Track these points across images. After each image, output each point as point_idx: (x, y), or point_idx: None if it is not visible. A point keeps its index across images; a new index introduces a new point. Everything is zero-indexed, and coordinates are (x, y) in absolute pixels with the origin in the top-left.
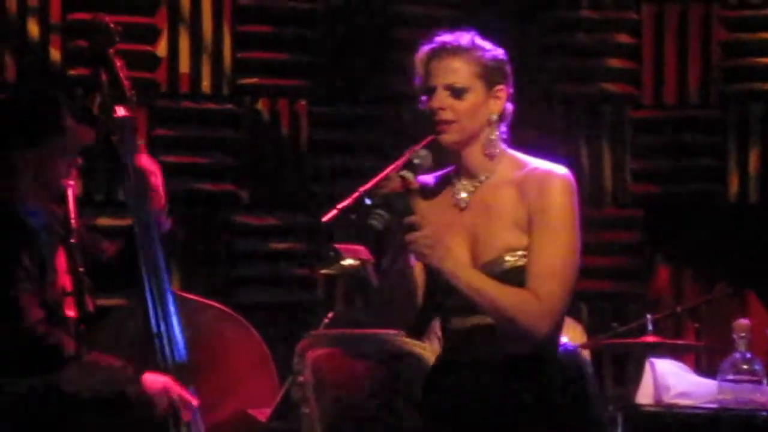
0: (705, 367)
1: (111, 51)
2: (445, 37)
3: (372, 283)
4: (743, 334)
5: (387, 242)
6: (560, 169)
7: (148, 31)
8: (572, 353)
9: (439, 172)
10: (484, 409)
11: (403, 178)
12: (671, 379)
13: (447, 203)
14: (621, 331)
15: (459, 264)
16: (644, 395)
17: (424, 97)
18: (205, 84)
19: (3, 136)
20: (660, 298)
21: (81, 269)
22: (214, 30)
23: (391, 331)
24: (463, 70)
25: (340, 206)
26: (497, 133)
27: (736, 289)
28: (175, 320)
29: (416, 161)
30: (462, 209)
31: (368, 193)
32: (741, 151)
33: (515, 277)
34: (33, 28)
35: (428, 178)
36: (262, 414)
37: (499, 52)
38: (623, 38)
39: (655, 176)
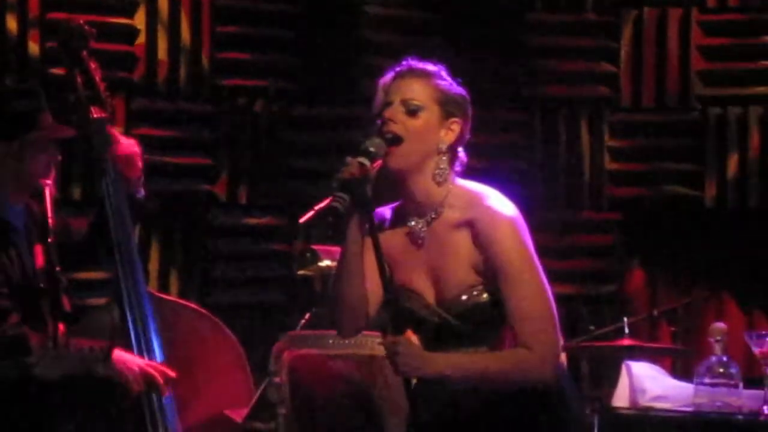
0: (681, 370)
1: (85, 52)
2: (412, 62)
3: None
4: (719, 338)
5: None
6: (506, 209)
7: (126, 31)
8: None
9: (392, 205)
10: (467, 423)
11: (361, 164)
12: (647, 383)
13: (404, 239)
14: (597, 334)
15: (440, 365)
16: (620, 398)
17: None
18: (183, 84)
19: None
20: (636, 301)
21: (58, 269)
22: (191, 31)
23: (369, 333)
24: (422, 90)
25: (317, 208)
26: (446, 163)
27: (712, 293)
28: (150, 321)
29: (371, 149)
30: (419, 246)
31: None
32: (719, 156)
33: (475, 312)
34: (12, 25)
35: (384, 211)
36: (239, 415)
37: (462, 90)
38: (602, 42)
39: (632, 180)
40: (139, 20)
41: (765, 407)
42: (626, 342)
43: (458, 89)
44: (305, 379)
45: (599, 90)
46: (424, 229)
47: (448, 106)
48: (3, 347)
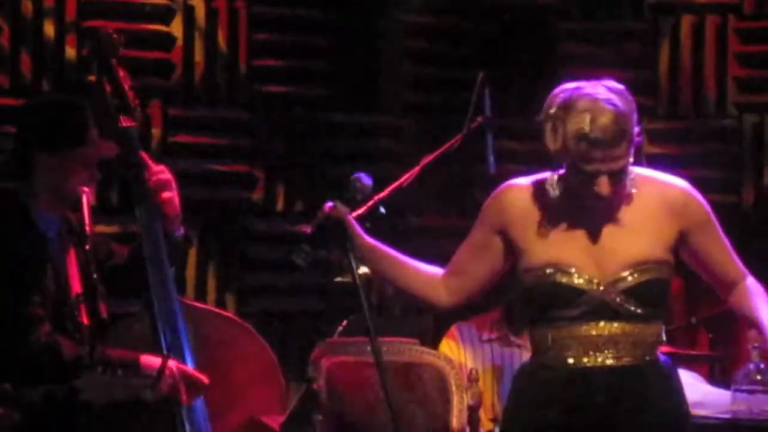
0: (718, 377)
1: (114, 60)
2: (603, 120)
3: (383, 293)
4: (757, 344)
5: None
6: (681, 180)
7: (163, 38)
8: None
9: (536, 178)
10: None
11: (334, 208)
12: (686, 390)
13: (567, 215)
14: None
15: None
16: None
17: (576, 166)
18: (220, 91)
19: (26, 139)
20: (674, 309)
21: (95, 276)
22: (228, 38)
23: (407, 340)
24: (623, 153)
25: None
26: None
27: None
28: (182, 330)
29: (353, 190)
30: (591, 230)
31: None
32: (756, 162)
33: (642, 290)
34: (49, 30)
35: (528, 182)
36: (275, 421)
37: (627, 97)
38: (639, 49)
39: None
40: (176, 27)
41: None
42: (665, 349)
43: (631, 110)
44: (343, 386)
45: (636, 97)
46: (603, 209)
47: (632, 137)
48: (35, 355)
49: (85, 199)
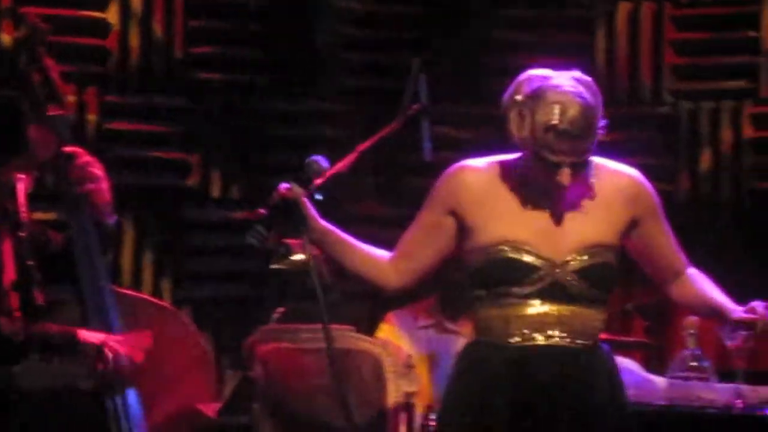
0: (654, 364)
1: (41, 49)
2: (564, 108)
3: (323, 278)
4: (692, 331)
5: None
6: (632, 168)
7: (98, 25)
8: None
9: (499, 159)
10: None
11: (289, 189)
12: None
13: (521, 196)
14: None
15: None
16: None
17: (539, 153)
18: (156, 78)
19: None
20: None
21: (30, 262)
22: (164, 24)
23: (343, 327)
24: (588, 146)
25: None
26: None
27: None
28: (113, 319)
29: (309, 172)
30: (545, 210)
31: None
32: (691, 149)
33: (594, 272)
34: None
35: (483, 163)
36: (210, 408)
37: (594, 89)
38: (576, 37)
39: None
40: (112, 14)
41: (737, 401)
42: (600, 336)
43: (598, 104)
44: (279, 373)
45: None
46: (557, 192)
47: (597, 130)
48: None
49: (21, 186)
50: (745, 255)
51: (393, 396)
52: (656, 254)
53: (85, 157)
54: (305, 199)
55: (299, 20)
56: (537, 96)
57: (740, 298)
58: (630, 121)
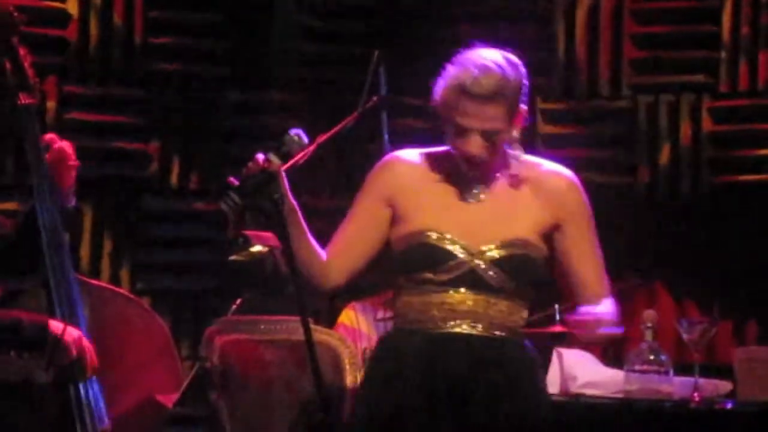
0: (611, 357)
1: (15, 39)
2: (481, 74)
3: (281, 269)
4: (650, 325)
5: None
6: (568, 170)
7: (58, 15)
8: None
9: (429, 151)
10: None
11: (268, 161)
12: (578, 369)
13: (447, 188)
14: (529, 320)
15: None
16: (551, 385)
17: (449, 120)
18: (115, 69)
19: None
20: (567, 289)
21: None
22: (124, 15)
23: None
24: (498, 115)
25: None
26: (518, 145)
27: (643, 280)
28: (78, 306)
29: (284, 147)
30: (471, 199)
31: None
32: (650, 142)
33: (514, 265)
34: None
35: (414, 155)
36: (169, 400)
37: (520, 71)
38: (533, 29)
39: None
40: (72, 4)
41: (695, 394)
42: (557, 329)
43: (519, 79)
44: (237, 364)
45: (531, 78)
46: (484, 186)
47: (516, 108)
48: None
49: None
50: (705, 249)
51: (351, 388)
52: (573, 267)
53: (59, 142)
54: (282, 173)
55: (259, 11)
56: (458, 62)
57: (700, 292)
58: (589, 115)
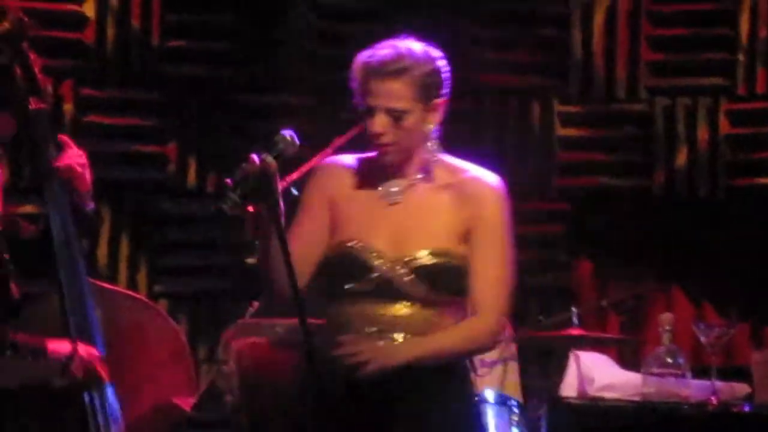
0: (629, 360)
1: (25, 44)
2: (386, 53)
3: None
4: (668, 328)
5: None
6: (493, 177)
7: (75, 18)
8: None
9: (361, 156)
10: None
11: (263, 161)
12: (595, 372)
13: (372, 194)
14: (546, 324)
15: (404, 353)
16: (568, 388)
17: (360, 106)
18: (133, 72)
19: None
20: (584, 292)
21: (6, 256)
22: (141, 18)
23: (320, 322)
24: (403, 93)
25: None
26: (434, 140)
27: (661, 283)
28: (91, 311)
29: (280, 145)
30: (390, 204)
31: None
32: (667, 145)
33: (434, 274)
34: None
35: (350, 160)
36: (186, 403)
37: (437, 62)
38: (550, 32)
39: (581, 170)
40: (89, 7)
41: (712, 397)
42: (574, 332)
43: (433, 66)
44: (253, 368)
45: (549, 81)
46: (401, 190)
47: (429, 94)
48: None
49: None
50: (722, 252)
51: None
52: (471, 275)
53: (71, 146)
54: (277, 173)
55: (274, 14)
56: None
57: (718, 294)
58: (606, 118)
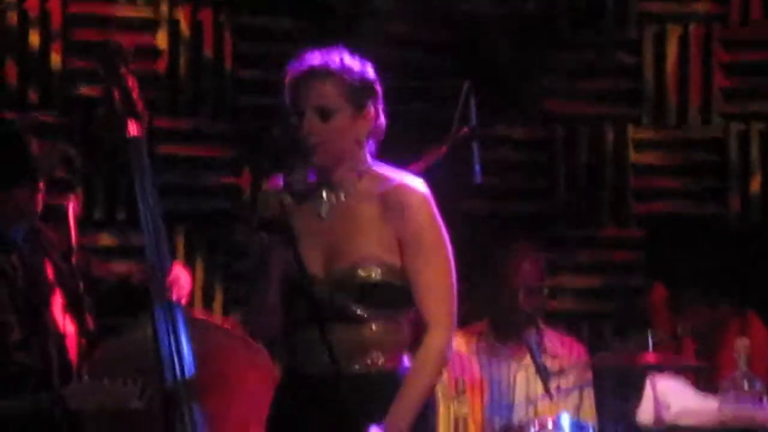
0: (704, 386)
1: (124, 69)
2: (314, 59)
3: None
4: (744, 353)
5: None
6: (418, 185)
7: (148, 50)
8: None
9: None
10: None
11: (281, 203)
12: (672, 398)
13: (311, 211)
14: (622, 349)
15: (397, 426)
16: (645, 413)
17: (293, 115)
18: (207, 102)
19: None
20: (660, 318)
21: (81, 287)
22: (214, 49)
23: None
24: (331, 92)
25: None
26: (365, 151)
27: (736, 309)
28: (183, 336)
29: (296, 186)
30: (322, 219)
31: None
32: (742, 171)
33: (368, 290)
34: (34, 39)
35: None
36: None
37: (369, 72)
38: (623, 57)
39: (656, 196)
40: (161, 39)
41: None
42: (650, 358)
43: (363, 74)
44: None
45: (622, 107)
46: (334, 203)
47: (359, 99)
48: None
49: (71, 211)
50: None
51: (444, 419)
52: (411, 287)
53: (179, 273)
54: None
55: (343, 43)
56: None
57: None
58: (679, 144)
